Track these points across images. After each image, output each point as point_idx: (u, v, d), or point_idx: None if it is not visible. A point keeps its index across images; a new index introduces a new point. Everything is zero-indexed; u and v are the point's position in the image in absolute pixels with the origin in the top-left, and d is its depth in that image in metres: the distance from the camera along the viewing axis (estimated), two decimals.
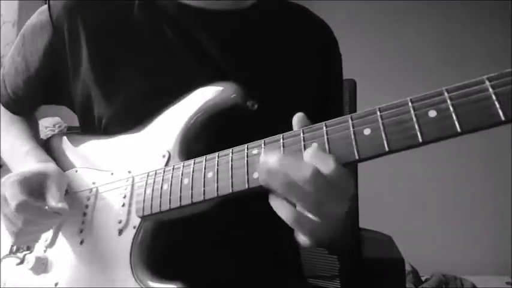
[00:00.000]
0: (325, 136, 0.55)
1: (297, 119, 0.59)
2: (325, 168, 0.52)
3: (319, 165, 0.52)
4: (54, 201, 0.71)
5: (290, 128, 0.60)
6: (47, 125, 1.90)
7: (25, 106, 0.97)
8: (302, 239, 0.56)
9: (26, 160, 0.83)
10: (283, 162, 0.53)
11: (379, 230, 1.56)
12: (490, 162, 2.86)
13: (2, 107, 0.97)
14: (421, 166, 2.82)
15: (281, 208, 0.55)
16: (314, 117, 0.83)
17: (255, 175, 0.59)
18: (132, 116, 0.80)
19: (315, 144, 0.55)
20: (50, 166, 0.80)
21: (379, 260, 1.46)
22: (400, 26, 3.09)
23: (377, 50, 3.06)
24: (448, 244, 2.92)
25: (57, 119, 1.95)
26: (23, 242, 0.80)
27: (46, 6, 0.86)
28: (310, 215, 0.54)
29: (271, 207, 0.84)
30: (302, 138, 0.57)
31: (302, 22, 0.93)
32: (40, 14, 0.88)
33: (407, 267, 2.47)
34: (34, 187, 0.73)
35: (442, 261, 2.81)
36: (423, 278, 2.73)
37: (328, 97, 0.92)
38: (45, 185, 0.74)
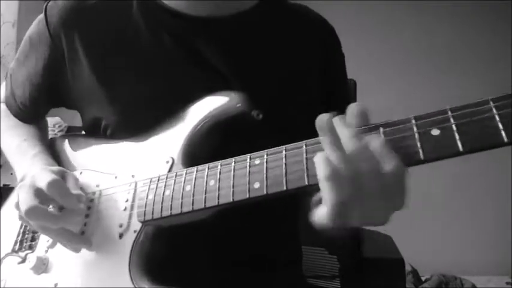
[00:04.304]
0: None
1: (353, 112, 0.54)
2: (387, 164, 0.50)
3: (382, 159, 0.50)
4: (72, 187, 0.73)
5: (294, 138, 0.60)
6: None
7: (33, 115, 0.97)
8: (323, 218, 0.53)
9: (33, 162, 0.82)
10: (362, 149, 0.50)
11: (379, 230, 1.56)
12: (490, 162, 2.85)
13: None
14: (421, 166, 2.81)
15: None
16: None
17: (256, 185, 0.60)
18: (134, 121, 0.80)
19: (382, 139, 0.51)
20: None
21: (379, 260, 1.47)
22: (401, 26, 3.07)
23: (377, 50, 3.04)
24: (448, 244, 2.92)
25: (57, 119, 1.95)
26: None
27: (43, 16, 0.85)
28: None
29: (270, 214, 0.85)
30: (305, 150, 0.57)
31: (304, 24, 0.92)
32: (38, 24, 0.87)
33: (407, 267, 2.48)
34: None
35: (442, 261, 2.82)
36: (423, 278, 2.74)
37: (333, 99, 0.91)
38: (65, 177, 0.76)
